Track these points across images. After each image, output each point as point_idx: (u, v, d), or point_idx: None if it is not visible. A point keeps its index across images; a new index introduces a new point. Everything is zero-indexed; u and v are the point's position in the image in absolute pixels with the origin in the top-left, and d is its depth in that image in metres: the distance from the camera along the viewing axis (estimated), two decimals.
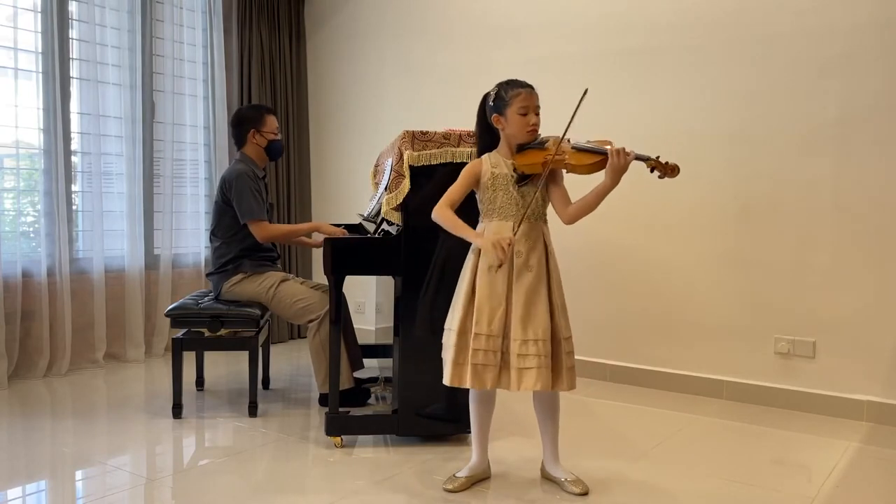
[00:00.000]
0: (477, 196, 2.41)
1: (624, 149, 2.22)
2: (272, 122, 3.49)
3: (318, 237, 3.49)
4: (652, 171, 2.26)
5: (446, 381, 2.30)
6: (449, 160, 2.73)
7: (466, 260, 2.37)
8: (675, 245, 3.72)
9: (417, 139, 2.73)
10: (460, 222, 2.32)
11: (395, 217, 2.75)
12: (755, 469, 2.65)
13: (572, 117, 2.19)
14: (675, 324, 3.72)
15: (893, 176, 3.17)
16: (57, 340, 3.90)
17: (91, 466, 2.61)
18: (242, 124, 3.47)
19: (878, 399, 3.21)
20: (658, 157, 2.26)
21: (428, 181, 2.73)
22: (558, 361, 2.28)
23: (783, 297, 3.42)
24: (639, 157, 2.25)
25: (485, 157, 2.39)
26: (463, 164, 2.72)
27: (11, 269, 3.72)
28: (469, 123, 2.55)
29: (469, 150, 2.73)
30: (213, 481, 2.47)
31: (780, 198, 3.43)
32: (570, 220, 2.33)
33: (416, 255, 2.75)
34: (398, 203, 2.72)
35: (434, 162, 2.73)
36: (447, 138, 2.75)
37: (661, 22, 3.72)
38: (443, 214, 2.34)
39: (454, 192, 2.36)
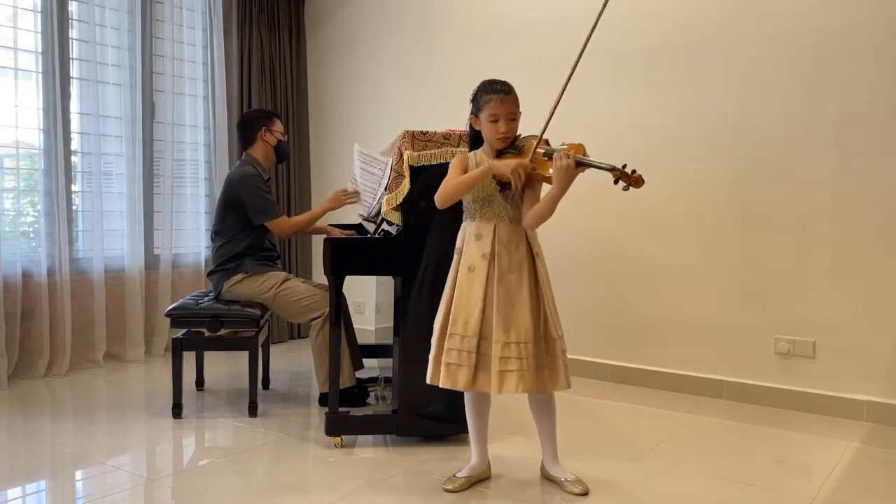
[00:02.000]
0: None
1: (570, 153, 2.12)
2: (280, 125, 3.56)
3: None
4: (616, 182, 2.11)
5: (427, 378, 2.34)
6: (449, 160, 2.71)
7: (453, 261, 2.36)
8: (674, 245, 3.72)
9: (417, 139, 2.73)
10: (463, 175, 2.25)
11: (395, 217, 2.75)
12: (755, 469, 2.65)
13: (557, 102, 2.16)
14: (675, 324, 3.72)
15: (893, 176, 3.18)
16: (57, 340, 3.90)
17: (91, 466, 2.61)
18: (252, 123, 3.50)
19: (878, 399, 3.21)
20: (624, 166, 2.10)
21: (428, 181, 2.73)
22: (554, 361, 2.28)
23: (783, 297, 3.42)
24: (595, 166, 2.11)
25: (471, 154, 2.37)
26: None
27: (11, 269, 3.72)
28: None
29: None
30: (213, 481, 2.47)
31: (780, 198, 3.42)
32: (528, 226, 2.28)
33: (416, 255, 2.75)
34: (398, 203, 2.72)
35: (434, 162, 2.73)
36: (447, 138, 2.75)
37: (659, 22, 3.72)
38: (445, 187, 2.27)
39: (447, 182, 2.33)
